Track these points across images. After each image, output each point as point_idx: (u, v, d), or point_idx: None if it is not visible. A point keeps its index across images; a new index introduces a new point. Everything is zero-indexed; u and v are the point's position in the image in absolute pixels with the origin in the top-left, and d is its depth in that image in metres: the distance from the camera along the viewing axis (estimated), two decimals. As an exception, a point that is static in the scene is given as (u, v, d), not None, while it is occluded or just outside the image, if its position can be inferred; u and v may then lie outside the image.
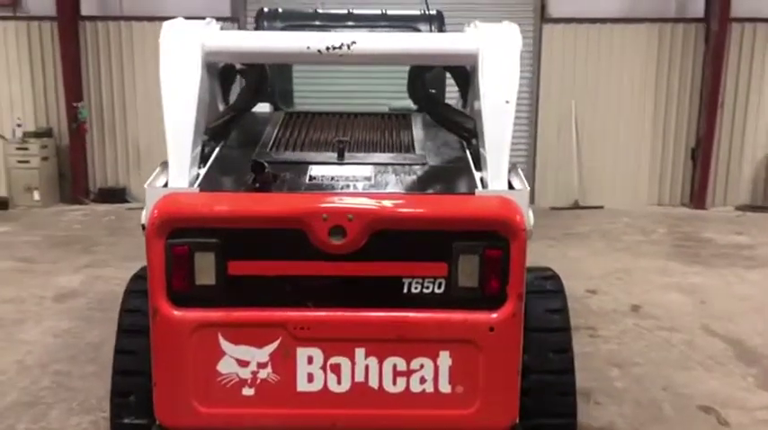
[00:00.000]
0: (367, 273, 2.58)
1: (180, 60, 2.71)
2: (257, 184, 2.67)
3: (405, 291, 2.59)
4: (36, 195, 10.12)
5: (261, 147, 3.03)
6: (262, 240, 2.56)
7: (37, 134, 10.39)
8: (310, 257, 2.55)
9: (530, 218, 2.73)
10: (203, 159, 2.89)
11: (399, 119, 3.40)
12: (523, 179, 2.81)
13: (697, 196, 10.53)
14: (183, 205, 2.56)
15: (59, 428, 3.76)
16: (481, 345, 2.61)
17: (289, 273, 2.58)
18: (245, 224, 2.55)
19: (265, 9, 3.81)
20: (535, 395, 3.27)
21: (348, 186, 2.70)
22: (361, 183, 2.72)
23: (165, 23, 2.78)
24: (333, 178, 2.75)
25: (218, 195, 2.62)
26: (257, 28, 3.68)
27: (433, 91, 3.50)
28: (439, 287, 2.60)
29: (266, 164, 2.63)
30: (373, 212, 2.53)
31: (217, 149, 2.95)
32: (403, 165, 2.91)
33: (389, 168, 2.87)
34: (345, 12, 3.81)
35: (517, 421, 2.79)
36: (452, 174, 2.78)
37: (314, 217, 2.51)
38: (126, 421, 2.94)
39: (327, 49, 2.76)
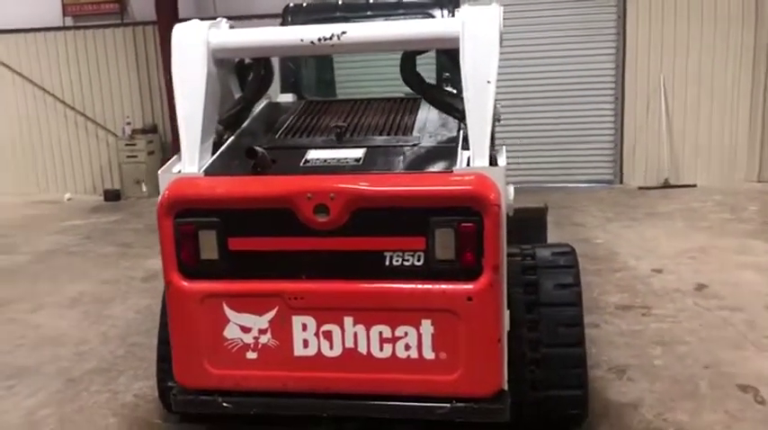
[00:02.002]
0: (351, 247, 2.79)
1: (188, 58, 3.02)
2: (257, 169, 2.94)
3: (387, 263, 2.78)
4: (143, 187, 11.00)
5: (270, 134, 3.30)
6: (257, 219, 2.83)
7: (144, 131, 11.29)
8: (299, 234, 2.79)
9: (508, 194, 2.84)
10: (218, 146, 3.19)
11: (410, 103, 3.57)
12: (505, 157, 2.91)
13: (801, 170, 9.88)
14: (188, 188, 2.87)
15: (123, 391, 4.24)
16: (460, 315, 2.75)
17: (282, 248, 2.83)
18: (241, 204, 2.83)
19: (291, 4, 4.08)
20: (545, 367, 3.38)
21: (338, 168, 2.91)
22: (350, 165, 2.92)
23: (177, 25, 3.10)
24: (326, 161, 2.97)
25: (219, 179, 2.91)
26: (283, 23, 3.95)
27: (447, 74, 3.64)
28: (418, 260, 2.77)
29: (259, 149, 2.89)
30: (352, 191, 2.74)
31: (231, 137, 3.25)
32: (395, 146, 3.09)
33: (381, 150, 3.05)
34: (365, 2, 4.00)
35: (504, 388, 2.91)
36: (439, 153, 2.93)
37: (299, 197, 2.75)
38: (169, 384, 3.31)
39: (319, 40, 2.98)
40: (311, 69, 4.50)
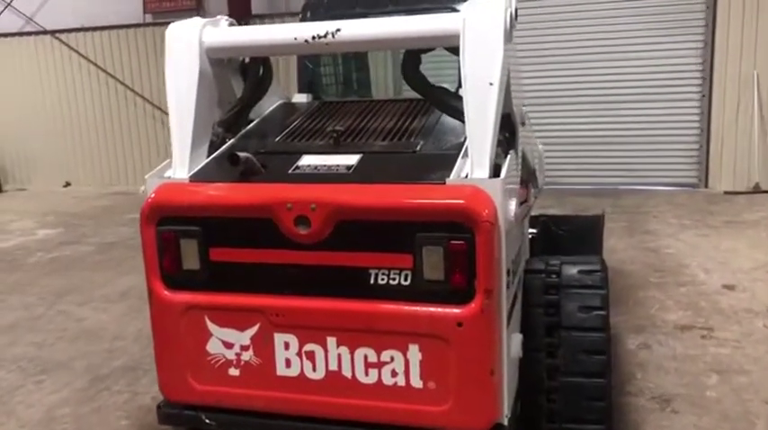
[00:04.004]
0: (334, 262, 2.58)
1: (180, 57, 2.89)
2: (245, 175, 2.77)
3: (372, 281, 2.56)
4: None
5: (271, 137, 3.13)
6: (238, 229, 2.67)
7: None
8: (281, 246, 2.61)
9: (508, 209, 2.55)
10: (216, 150, 3.04)
11: (424, 104, 3.31)
12: (509, 168, 2.61)
13: None
14: (170, 195, 2.74)
15: (143, 392, 4.20)
16: (450, 341, 2.49)
17: (263, 260, 2.66)
18: (222, 213, 2.68)
19: (311, 0, 3.90)
20: (564, 398, 3.08)
21: (326, 176, 2.71)
22: (339, 173, 2.71)
23: (171, 24, 2.98)
24: (316, 168, 2.77)
25: (201, 186, 2.76)
26: (302, 19, 3.77)
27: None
28: (405, 279, 2.53)
29: (243, 155, 2.72)
30: (334, 202, 2.53)
31: (229, 140, 3.10)
32: (392, 153, 2.85)
33: (377, 157, 2.82)
34: (386, -5, 3.77)
35: (503, 423, 2.63)
36: (438, 162, 2.66)
37: (279, 207, 2.57)
38: None
39: (313, 38, 2.78)
40: (343, 68, 4.31)
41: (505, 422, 2.64)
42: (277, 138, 3.10)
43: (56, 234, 8.90)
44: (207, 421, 2.84)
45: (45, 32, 12.53)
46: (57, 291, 6.40)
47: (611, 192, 9.77)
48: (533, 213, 5.51)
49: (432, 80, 3.06)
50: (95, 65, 12.29)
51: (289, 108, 3.51)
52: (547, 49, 9.94)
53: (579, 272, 3.26)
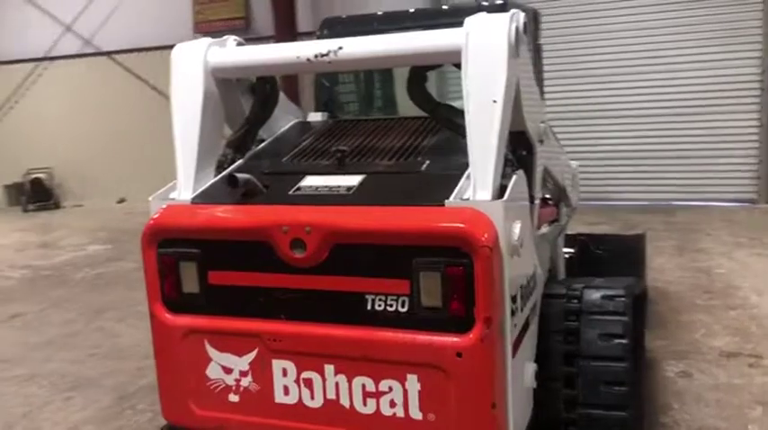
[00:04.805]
0: (331, 287, 2.50)
1: (185, 77, 2.87)
2: (246, 197, 2.72)
3: (369, 307, 2.46)
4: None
5: (279, 157, 3.08)
6: (236, 252, 2.61)
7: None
8: (278, 270, 2.54)
9: (512, 232, 2.41)
10: (224, 170, 3.01)
11: (440, 123, 3.20)
12: (513, 188, 2.48)
13: None
14: (170, 218, 2.71)
15: (165, 413, 4.19)
16: (449, 372, 2.37)
17: (260, 284, 2.60)
18: (219, 236, 2.63)
19: (329, 17, 3.84)
20: (581, 430, 2.91)
21: (326, 198, 2.63)
22: (339, 195, 2.63)
23: (178, 45, 2.96)
24: (317, 189, 2.70)
25: (200, 208, 2.72)
26: (319, 36, 3.72)
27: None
28: (403, 306, 2.42)
29: (242, 177, 2.67)
30: (329, 225, 2.45)
31: (237, 161, 3.06)
32: (396, 173, 2.75)
33: (381, 177, 2.73)
34: (404, 12, 3.68)
35: (505, 459, 2.48)
36: (440, 182, 2.55)
37: (275, 229, 2.50)
38: None
39: (315, 56, 2.72)
40: (365, 85, 4.24)
41: (507, 457, 2.49)
42: (284, 159, 3.05)
43: (104, 250, 9.11)
44: (208, 447, 2.79)
45: (101, 54, 12.95)
46: (97, 307, 6.51)
47: (665, 209, 9.42)
48: (571, 232, 5.33)
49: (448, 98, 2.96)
50: (148, 84, 12.61)
51: (302, 127, 3.46)
52: (598, 61, 9.70)
53: (602, 297, 3.09)
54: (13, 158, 14.03)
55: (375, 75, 4.20)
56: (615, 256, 5.22)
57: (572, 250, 5.27)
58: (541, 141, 3.14)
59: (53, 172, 13.57)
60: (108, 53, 12.83)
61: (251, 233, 2.55)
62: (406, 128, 3.22)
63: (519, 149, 3.11)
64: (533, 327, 2.87)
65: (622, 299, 3.05)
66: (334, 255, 2.46)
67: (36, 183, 13.38)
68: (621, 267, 4.90)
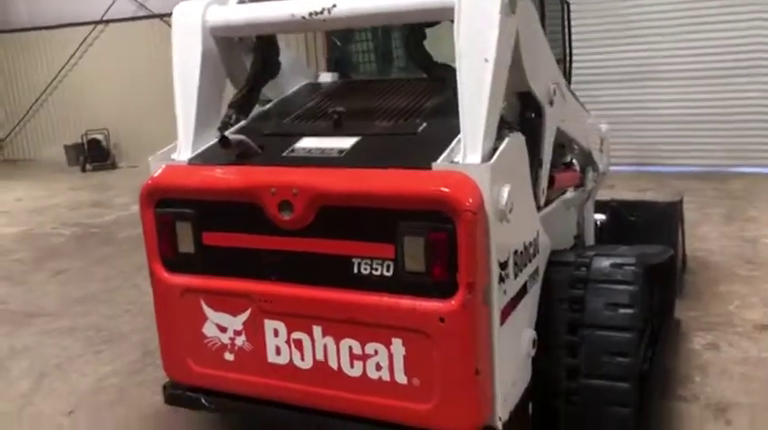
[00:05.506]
0: (318, 250, 2.49)
1: (183, 37, 2.87)
2: (241, 158, 2.72)
3: (355, 271, 2.44)
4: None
5: (281, 118, 3.06)
6: (228, 213, 2.62)
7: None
8: (267, 232, 2.54)
9: (500, 197, 2.34)
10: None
11: (447, 84, 3.11)
12: (504, 151, 2.39)
13: None
14: (166, 178, 2.74)
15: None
16: (433, 337, 2.34)
17: (252, 246, 2.61)
18: (211, 196, 2.64)
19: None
20: (583, 401, 2.85)
21: (317, 160, 2.60)
22: (330, 157, 2.59)
23: (178, 4, 2.95)
24: (310, 151, 2.67)
25: (195, 169, 2.74)
26: None
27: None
28: (388, 270, 2.39)
29: (235, 138, 2.67)
30: (315, 187, 2.42)
31: (240, 122, 3.06)
32: (391, 135, 2.69)
33: (375, 139, 2.67)
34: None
35: (495, 426, 2.45)
36: (434, 145, 2.47)
37: (264, 191, 2.49)
38: None
39: (310, 14, 2.67)
40: (383, 43, 4.14)
41: (498, 425, 2.46)
42: (285, 120, 3.03)
43: (151, 209, 9.34)
44: (205, 403, 2.85)
45: (155, 16, 13.11)
46: (137, 265, 6.69)
47: (719, 176, 9.03)
48: (604, 198, 5.17)
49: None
50: (199, 47, 12.72)
51: (310, 88, 3.42)
52: (649, 20, 9.27)
53: (611, 265, 2.99)
54: (73, 120, 14.50)
55: (393, 32, 4.10)
56: (649, 224, 5.04)
57: (603, 216, 5.12)
58: (551, 103, 3.02)
59: (110, 133, 13.94)
60: (161, 16, 12.97)
61: (241, 194, 2.55)
62: (414, 89, 3.15)
63: (527, 111, 3.01)
64: (532, 295, 2.80)
65: (632, 267, 2.94)
66: (321, 217, 2.44)
67: (93, 143, 13.77)
68: (655, 235, 4.73)
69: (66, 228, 8.67)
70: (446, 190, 2.24)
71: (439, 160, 2.36)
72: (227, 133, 2.82)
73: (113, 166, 13.93)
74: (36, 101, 15.12)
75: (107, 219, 8.98)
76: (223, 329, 2.74)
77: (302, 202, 2.43)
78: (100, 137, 13.86)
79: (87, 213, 9.49)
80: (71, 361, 4.60)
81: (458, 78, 2.40)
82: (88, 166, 13.55)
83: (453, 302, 2.28)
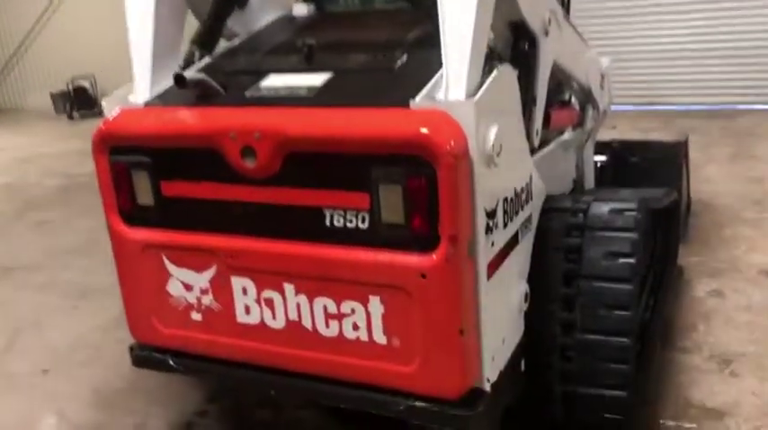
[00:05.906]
0: (286, 201, 2.24)
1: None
2: (201, 99, 2.46)
3: (327, 223, 2.20)
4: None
5: (248, 55, 2.78)
6: (187, 160, 2.38)
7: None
8: (231, 181, 2.29)
9: (486, 138, 2.08)
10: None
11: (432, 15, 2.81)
12: (491, 86, 2.12)
13: None
14: (120, 122, 2.48)
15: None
16: (413, 294, 2.12)
17: (214, 197, 2.36)
18: (168, 142, 2.38)
19: None
20: (579, 357, 2.65)
21: (284, 99, 2.34)
22: (299, 96, 2.33)
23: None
24: (277, 89, 2.40)
25: (149, 111, 2.48)
26: None
27: None
28: (363, 221, 2.15)
29: (193, 76, 2.40)
30: (279, 131, 2.16)
31: (204, 60, 2.78)
32: (366, 71, 2.42)
33: (349, 76, 2.40)
34: None
35: (483, 388, 2.26)
36: (413, 81, 2.20)
37: (222, 135, 2.24)
38: None
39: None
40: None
41: (486, 387, 2.26)
42: (252, 57, 2.75)
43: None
44: (174, 365, 2.65)
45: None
46: (121, 215, 6.48)
47: (727, 113, 8.71)
48: (605, 138, 4.90)
49: None
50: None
51: (284, 22, 3.12)
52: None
53: (610, 211, 2.75)
54: (58, 66, 14.04)
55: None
56: (652, 165, 4.79)
57: (604, 158, 4.86)
58: (547, 33, 2.74)
59: (96, 80, 13.52)
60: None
61: (199, 139, 2.30)
62: (396, 20, 2.86)
63: (521, 43, 2.72)
64: (524, 245, 2.57)
65: (633, 213, 2.70)
66: (289, 164, 2.19)
67: (80, 91, 13.36)
68: (657, 176, 4.49)
69: (51, 177, 8.43)
70: (425, 131, 1.98)
71: (418, 98, 2.09)
72: (186, 72, 2.55)
73: (101, 113, 13.46)
74: (20, 46, 14.65)
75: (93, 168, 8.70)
76: (188, 287, 2.52)
77: (266, 148, 2.18)
78: (86, 84, 13.44)
79: (74, 162, 9.21)
80: (48, 316, 4.42)
81: (438, 6, 2.11)
82: (75, 114, 13.18)
83: (435, 256, 2.05)
